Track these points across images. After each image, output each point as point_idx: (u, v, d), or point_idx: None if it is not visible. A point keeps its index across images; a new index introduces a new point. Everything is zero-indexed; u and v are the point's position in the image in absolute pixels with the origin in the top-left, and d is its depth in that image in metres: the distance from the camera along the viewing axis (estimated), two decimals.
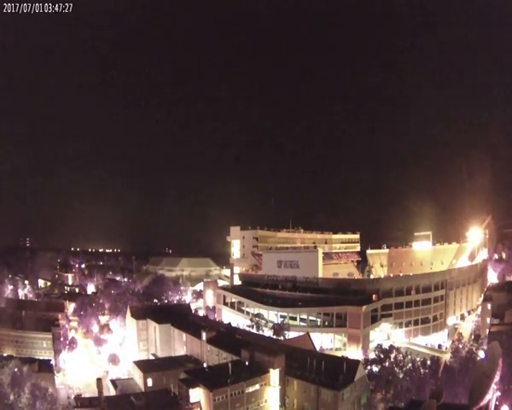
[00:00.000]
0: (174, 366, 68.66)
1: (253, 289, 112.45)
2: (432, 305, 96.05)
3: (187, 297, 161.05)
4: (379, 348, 70.54)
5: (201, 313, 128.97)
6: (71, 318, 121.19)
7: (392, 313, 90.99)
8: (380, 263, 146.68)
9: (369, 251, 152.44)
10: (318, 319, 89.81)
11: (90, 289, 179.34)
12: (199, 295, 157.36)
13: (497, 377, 36.86)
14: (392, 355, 66.83)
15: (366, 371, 62.74)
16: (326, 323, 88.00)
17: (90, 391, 71.61)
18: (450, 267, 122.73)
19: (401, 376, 62.37)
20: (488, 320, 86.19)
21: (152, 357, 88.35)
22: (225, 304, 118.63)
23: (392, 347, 69.79)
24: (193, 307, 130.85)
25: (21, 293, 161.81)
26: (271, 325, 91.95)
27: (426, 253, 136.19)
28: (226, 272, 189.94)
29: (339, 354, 76.74)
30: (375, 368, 65.87)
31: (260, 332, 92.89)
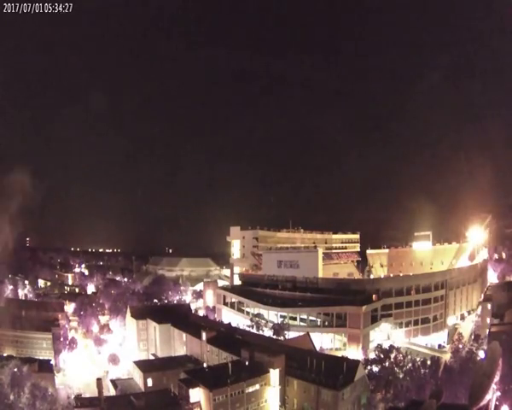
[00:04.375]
0: (174, 366, 68.61)
1: (253, 289, 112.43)
2: (432, 305, 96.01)
3: (187, 297, 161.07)
4: (379, 348, 70.50)
5: (201, 313, 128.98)
6: (71, 318, 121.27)
7: (392, 313, 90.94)
8: (380, 263, 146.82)
9: (369, 251, 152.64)
10: (318, 319, 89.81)
11: (90, 289, 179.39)
12: (199, 295, 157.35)
13: (497, 377, 36.77)
14: (392, 355, 66.76)
15: (366, 371, 62.73)
16: (326, 323, 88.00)
17: (90, 391, 71.57)
18: (450, 267, 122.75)
19: (401, 376, 62.35)
20: (488, 320, 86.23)
21: (152, 357, 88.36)
22: (225, 304, 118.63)
23: (392, 347, 69.71)
24: (193, 307, 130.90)
25: (21, 293, 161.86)
26: (271, 325, 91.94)
27: (426, 253, 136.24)
28: (226, 272, 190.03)
29: (339, 354, 76.85)
30: (375, 368, 65.86)
31: (260, 332, 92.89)
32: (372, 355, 72.02)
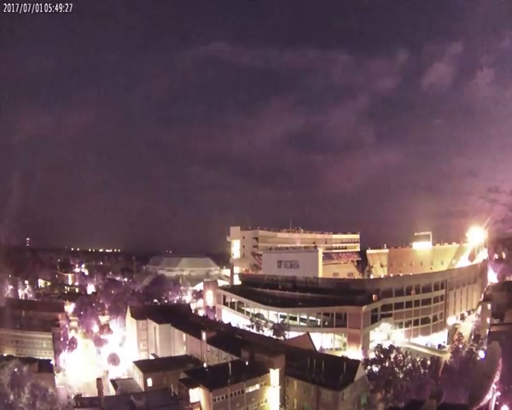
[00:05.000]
0: (174, 366, 68.50)
1: (252, 289, 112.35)
2: (432, 305, 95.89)
3: (187, 297, 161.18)
4: (379, 348, 70.38)
5: (201, 313, 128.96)
6: (71, 318, 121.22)
7: (392, 313, 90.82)
8: (380, 263, 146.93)
9: (369, 251, 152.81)
10: (318, 319, 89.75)
11: (90, 289, 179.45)
12: (199, 295, 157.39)
13: (497, 377, 36.88)
14: (392, 355, 66.67)
15: (366, 371, 62.64)
16: (326, 323, 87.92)
17: (90, 391, 71.45)
18: (450, 267, 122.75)
19: (401, 376, 62.29)
20: (488, 320, 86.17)
21: (152, 357, 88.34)
22: (225, 304, 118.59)
23: (392, 347, 69.63)
24: (193, 307, 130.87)
25: (21, 293, 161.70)
26: (271, 325, 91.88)
27: (426, 253, 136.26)
28: (226, 272, 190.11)
29: (339, 354, 76.76)
30: (375, 368, 65.74)
31: (260, 332, 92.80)
32: (372, 355, 71.94)
